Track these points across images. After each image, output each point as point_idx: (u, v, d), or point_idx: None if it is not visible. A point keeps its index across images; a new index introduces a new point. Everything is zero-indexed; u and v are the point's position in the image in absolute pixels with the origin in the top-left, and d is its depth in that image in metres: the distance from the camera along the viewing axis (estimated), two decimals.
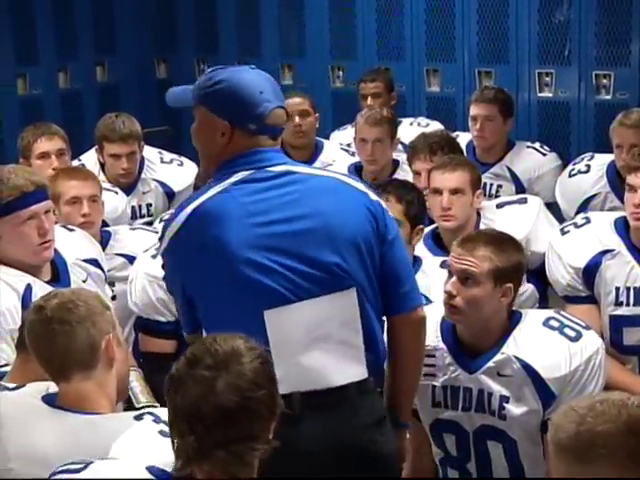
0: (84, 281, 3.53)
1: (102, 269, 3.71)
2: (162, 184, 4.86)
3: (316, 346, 2.64)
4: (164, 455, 2.10)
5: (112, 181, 4.78)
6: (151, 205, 4.86)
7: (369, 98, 5.57)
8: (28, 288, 3.28)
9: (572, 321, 3.03)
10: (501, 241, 3.01)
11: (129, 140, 4.70)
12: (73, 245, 3.61)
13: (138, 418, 2.40)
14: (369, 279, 2.70)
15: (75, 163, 4.88)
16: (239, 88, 2.68)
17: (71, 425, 2.43)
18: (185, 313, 2.83)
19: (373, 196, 2.74)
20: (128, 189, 4.81)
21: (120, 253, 4.07)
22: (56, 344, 2.45)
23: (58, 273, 3.45)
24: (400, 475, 2.93)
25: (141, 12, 7.24)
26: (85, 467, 2.09)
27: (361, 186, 2.75)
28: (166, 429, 2.26)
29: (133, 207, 4.84)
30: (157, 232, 4.25)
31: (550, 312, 3.11)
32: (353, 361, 2.67)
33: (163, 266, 2.86)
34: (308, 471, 2.58)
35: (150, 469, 2.01)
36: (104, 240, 4.09)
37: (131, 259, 4.03)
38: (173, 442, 1.98)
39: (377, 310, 2.74)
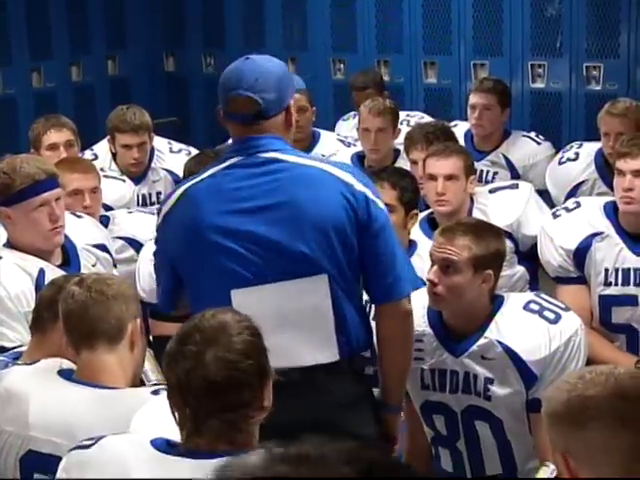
0: (93, 265, 3.55)
1: (110, 254, 3.73)
2: (171, 173, 4.84)
3: (283, 327, 2.64)
4: None
5: (123, 170, 4.77)
6: (161, 193, 4.85)
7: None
8: (41, 272, 3.29)
9: (551, 303, 3.02)
10: (480, 229, 3.00)
11: (140, 131, 4.69)
12: (82, 231, 3.62)
13: (155, 393, 2.42)
14: (340, 267, 2.68)
15: (88, 153, 4.87)
16: (222, 76, 2.76)
17: (90, 397, 2.45)
18: (165, 291, 2.89)
19: (359, 187, 2.69)
20: (138, 178, 4.81)
21: (119, 236, 4.06)
22: (90, 312, 2.49)
23: (69, 258, 3.46)
24: None
25: (150, 8, 7.23)
26: (95, 443, 2.09)
27: (347, 177, 2.71)
28: None
29: (143, 195, 4.83)
30: (153, 213, 4.26)
31: (530, 295, 3.10)
32: (322, 344, 2.68)
33: (155, 241, 2.92)
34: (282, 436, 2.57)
35: (154, 442, 2.01)
36: (102, 225, 4.08)
37: (130, 241, 4.03)
38: (174, 415, 2.00)
39: (352, 295, 2.73)
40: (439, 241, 2.94)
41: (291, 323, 2.66)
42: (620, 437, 1.81)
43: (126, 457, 2.00)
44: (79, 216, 3.73)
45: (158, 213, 2.90)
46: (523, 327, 2.93)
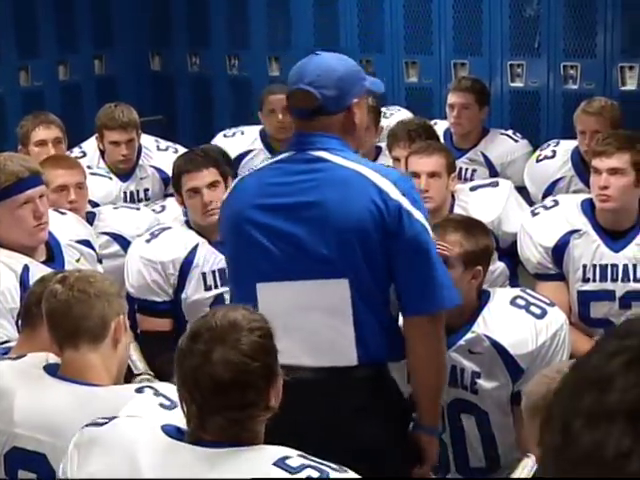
0: (77, 260, 3.54)
1: (94, 249, 3.72)
2: (158, 170, 4.84)
3: (303, 325, 2.62)
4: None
5: (111, 167, 4.76)
6: (148, 190, 4.84)
7: None
8: (25, 269, 3.28)
9: (537, 299, 3.04)
10: (470, 226, 3.02)
11: (128, 128, 4.69)
12: (66, 227, 3.62)
13: (139, 391, 2.42)
14: (360, 272, 2.61)
15: (76, 151, 4.86)
16: (290, 71, 2.79)
17: (74, 394, 2.44)
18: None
19: (395, 195, 2.60)
20: (126, 175, 4.80)
21: (104, 232, 4.05)
22: (73, 310, 2.47)
23: (53, 254, 3.46)
24: (384, 469, 2.68)
25: (137, 8, 7.20)
26: (109, 421, 2.11)
27: (384, 183, 2.61)
28: (165, 402, 2.33)
29: (131, 192, 4.82)
30: (139, 209, 4.25)
31: (517, 291, 3.12)
32: (339, 348, 2.62)
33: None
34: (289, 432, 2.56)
35: (165, 428, 2.03)
36: (89, 221, 4.06)
37: (115, 236, 4.03)
38: (183, 408, 2.01)
39: (375, 303, 2.65)
40: None
41: (311, 322, 2.63)
42: None
43: (136, 439, 2.01)
44: (63, 213, 3.73)
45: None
46: (510, 322, 2.95)
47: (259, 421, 1.98)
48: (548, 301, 3.05)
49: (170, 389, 2.41)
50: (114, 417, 2.13)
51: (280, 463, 1.89)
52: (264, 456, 1.93)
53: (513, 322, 2.94)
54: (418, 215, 2.62)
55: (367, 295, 2.63)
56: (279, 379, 2.03)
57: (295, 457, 1.91)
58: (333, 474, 1.91)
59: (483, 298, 3.02)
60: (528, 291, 3.13)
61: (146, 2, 7.25)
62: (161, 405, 2.33)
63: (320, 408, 2.62)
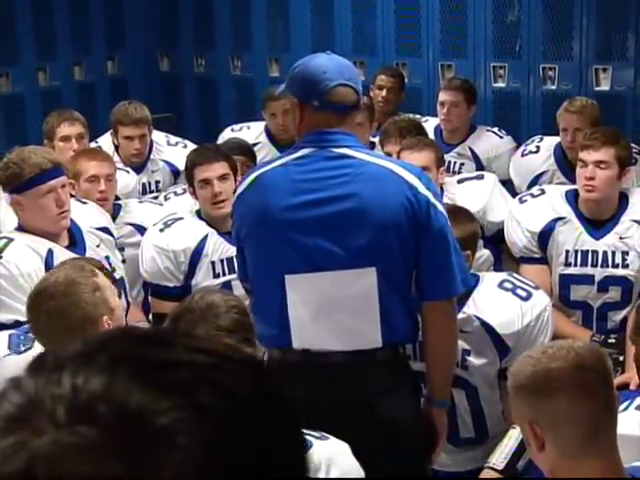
0: (97, 246, 3.55)
1: (112, 235, 3.73)
2: (169, 164, 4.84)
3: (330, 313, 2.59)
4: None
5: (125, 161, 4.76)
6: (159, 182, 4.85)
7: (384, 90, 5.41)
8: (50, 252, 3.29)
9: (523, 282, 3.05)
10: (456, 213, 2.99)
11: (140, 124, 4.70)
12: (86, 215, 3.63)
13: None
14: (393, 263, 2.59)
15: (92, 145, 4.86)
16: (306, 69, 2.64)
17: None
18: (239, 261, 2.86)
19: (422, 190, 2.59)
20: (139, 168, 4.80)
21: (129, 222, 4.08)
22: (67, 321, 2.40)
23: (75, 239, 3.47)
24: (414, 444, 2.71)
25: (147, 12, 7.19)
26: None
27: (413, 179, 2.60)
28: None
29: (143, 184, 4.83)
30: (162, 205, 4.27)
31: (504, 275, 3.13)
32: (365, 331, 2.60)
33: (231, 214, 2.88)
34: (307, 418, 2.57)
35: None
36: (115, 212, 4.10)
37: (138, 227, 4.04)
38: None
39: (401, 288, 2.64)
40: None
41: (338, 310, 2.59)
42: (582, 405, 1.83)
43: None
44: (84, 202, 3.75)
45: (233, 193, 2.85)
46: (498, 303, 2.96)
47: None
48: (533, 285, 3.07)
49: None
50: None
51: None
52: None
53: (501, 304, 2.95)
54: (441, 207, 2.64)
55: (394, 281, 2.61)
56: (256, 351, 2.02)
57: None
58: (316, 442, 1.90)
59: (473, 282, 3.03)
60: (515, 275, 3.14)
61: (155, 7, 7.24)
62: None
63: (349, 388, 2.60)
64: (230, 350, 0.71)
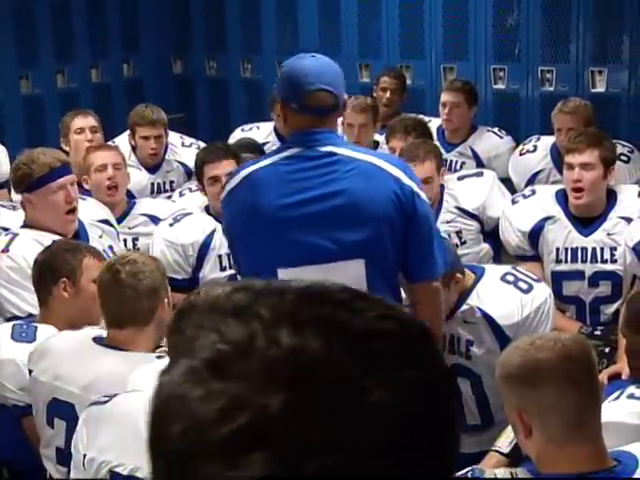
0: (100, 237, 3.60)
1: (113, 226, 3.77)
2: (183, 165, 4.87)
3: None
4: None
5: (142, 162, 4.81)
6: (173, 182, 4.89)
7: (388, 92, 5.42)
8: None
9: (525, 275, 3.06)
10: None
11: (157, 124, 4.74)
12: (87, 209, 3.68)
13: (159, 357, 2.44)
14: (385, 253, 2.62)
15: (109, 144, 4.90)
16: (289, 70, 2.64)
17: (107, 358, 2.49)
18: (233, 255, 2.88)
19: (407, 181, 2.62)
20: (154, 168, 4.84)
21: (143, 213, 4.13)
22: (123, 305, 2.50)
23: (78, 232, 3.52)
24: None
25: (161, 17, 7.21)
26: (110, 399, 2.12)
27: (396, 171, 2.63)
28: None
29: (158, 184, 4.87)
30: (174, 201, 4.32)
31: (507, 268, 3.14)
32: None
33: (221, 210, 2.89)
34: None
35: None
36: (131, 205, 4.16)
37: (152, 217, 4.09)
38: None
39: (389, 276, 2.67)
40: None
41: None
42: (568, 395, 1.85)
43: (137, 411, 2.02)
44: (83, 198, 3.79)
45: (222, 188, 2.85)
46: (499, 295, 2.98)
47: None
48: (535, 277, 3.08)
49: None
50: (115, 394, 2.12)
51: None
52: None
53: (502, 296, 2.97)
54: (423, 195, 2.68)
55: (382, 271, 2.64)
56: None
57: None
58: None
59: (477, 274, 3.05)
60: (518, 268, 3.15)
61: (169, 13, 7.27)
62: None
63: None
64: (403, 314, 0.70)
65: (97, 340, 2.57)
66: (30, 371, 2.61)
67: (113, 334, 2.55)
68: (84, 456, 2.06)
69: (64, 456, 2.49)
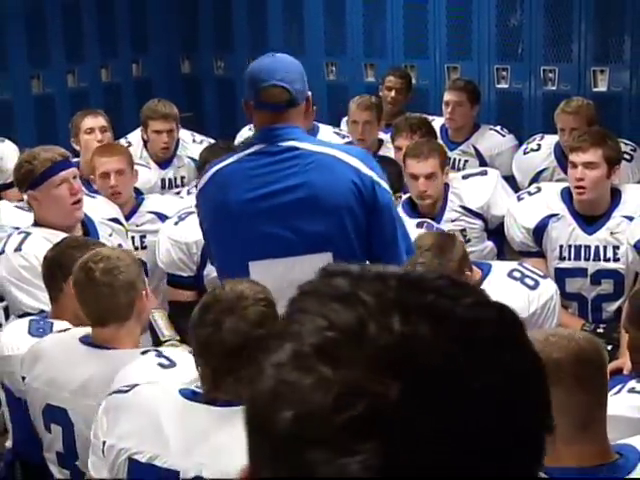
0: (110, 235, 3.62)
1: (122, 225, 3.79)
2: (194, 160, 4.89)
3: (288, 296, 2.62)
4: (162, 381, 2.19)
5: (153, 156, 4.84)
6: (184, 177, 4.92)
7: (393, 91, 5.43)
8: None
9: (532, 272, 3.07)
10: (441, 246, 2.98)
11: (169, 118, 4.78)
12: (97, 208, 3.71)
13: (144, 353, 2.44)
14: (350, 245, 2.62)
15: (122, 141, 4.92)
16: (249, 70, 2.69)
17: (95, 358, 2.48)
18: (209, 250, 2.92)
19: (366, 170, 2.63)
20: (165, 163, 4.88)
21: (151, 211, 4.14)
22: (100, 303, 2.50)
23: (88, 230, 3.54)
24: None
25: (169, 17, 7.23)
26: (131, 389, 2.12)
27: (355, 162, 2.64)
28: (165, 362, 2.34)
29: (169, 179, 4.90)
30: (182, 197, 4.34)
31: (514, 264, 3.15)
32: None
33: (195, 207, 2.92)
34: None
35: (181, 391, 2.04)
36: (139, 202, 4.17)
37: (159, 215, 4.10)
38: (199, 372, 2.04)
39: None
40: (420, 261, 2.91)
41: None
42: (577, 396, 1.84)
43: (157, 402, 2.03)
44: (93, 196, 3.81)
45: (196, 187, 2.87)
46: (506, 292, 2.98)
47: None
48: (541, 274, 3.09)
49: (173, 352, 2.44)
50: (136, 385, 2.12)
51: None
52: None
53: (508, 292, 2.97)
54: (384, 184, 2.67)
55: (349, 262, 2.65)
56: None
57: None
58: None
59: (484, 271, 3.07)
60: (524, 264, 3.16)
61: (177, 13, 7.29)
62: (160, 365, 2.34)
63: None
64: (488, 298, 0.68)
65: (83, 340, 2.56)
66: (23, 378, 2.59)
67: (97, 333, 2.54)
68: (103, 443, 2.07)
69: (65, 460, 2.51)
